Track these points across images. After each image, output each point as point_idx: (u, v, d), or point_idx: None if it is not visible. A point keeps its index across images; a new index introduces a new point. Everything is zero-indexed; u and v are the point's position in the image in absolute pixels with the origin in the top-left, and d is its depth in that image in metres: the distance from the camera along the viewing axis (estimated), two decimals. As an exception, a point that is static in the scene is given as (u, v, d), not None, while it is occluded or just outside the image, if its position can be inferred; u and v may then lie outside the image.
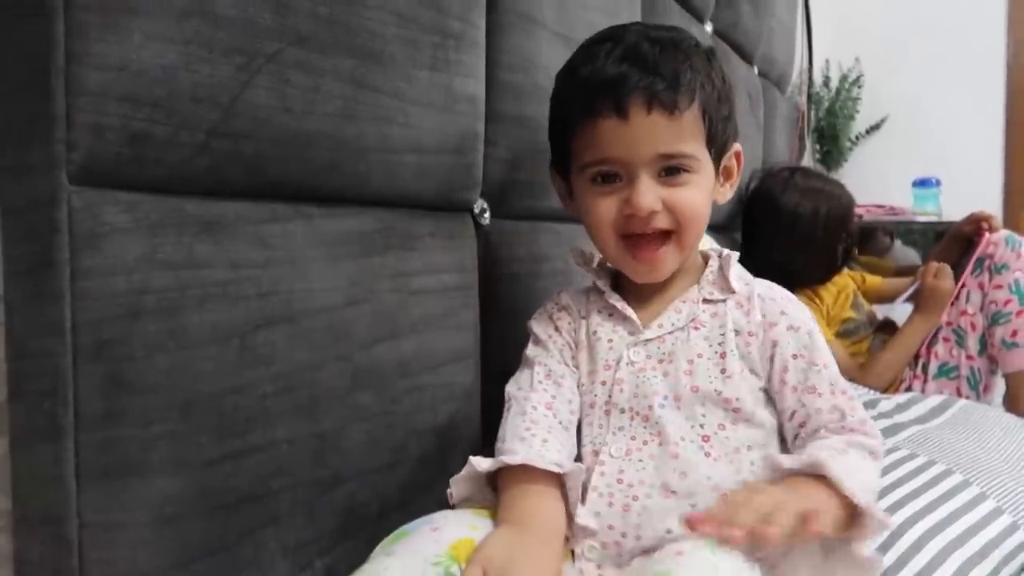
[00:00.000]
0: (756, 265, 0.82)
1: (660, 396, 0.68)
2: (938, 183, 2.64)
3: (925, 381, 1.51)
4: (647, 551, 0.61)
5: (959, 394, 1.46)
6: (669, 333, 0.72)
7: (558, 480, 0.61)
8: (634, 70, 0.67)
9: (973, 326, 1.47)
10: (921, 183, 2.66)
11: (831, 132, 3.04)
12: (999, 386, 1.49)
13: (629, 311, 0.73)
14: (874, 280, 1.78)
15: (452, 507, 0.63)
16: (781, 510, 0.53)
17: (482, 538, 0.55)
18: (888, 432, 1.02)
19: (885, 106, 3.06)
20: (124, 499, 0.51)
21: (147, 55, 0.51)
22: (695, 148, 0.70)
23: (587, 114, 0.69)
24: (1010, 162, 2.97)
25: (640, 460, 0.66)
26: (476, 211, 0.88)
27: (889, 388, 1.52)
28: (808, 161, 2.91)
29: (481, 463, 0.61)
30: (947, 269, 1.47)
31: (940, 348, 1.50)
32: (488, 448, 0.72)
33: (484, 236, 0.89)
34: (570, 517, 0.61)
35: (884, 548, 0.73)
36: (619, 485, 0.65)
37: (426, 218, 0.79)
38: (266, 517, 0.61)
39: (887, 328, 1.69)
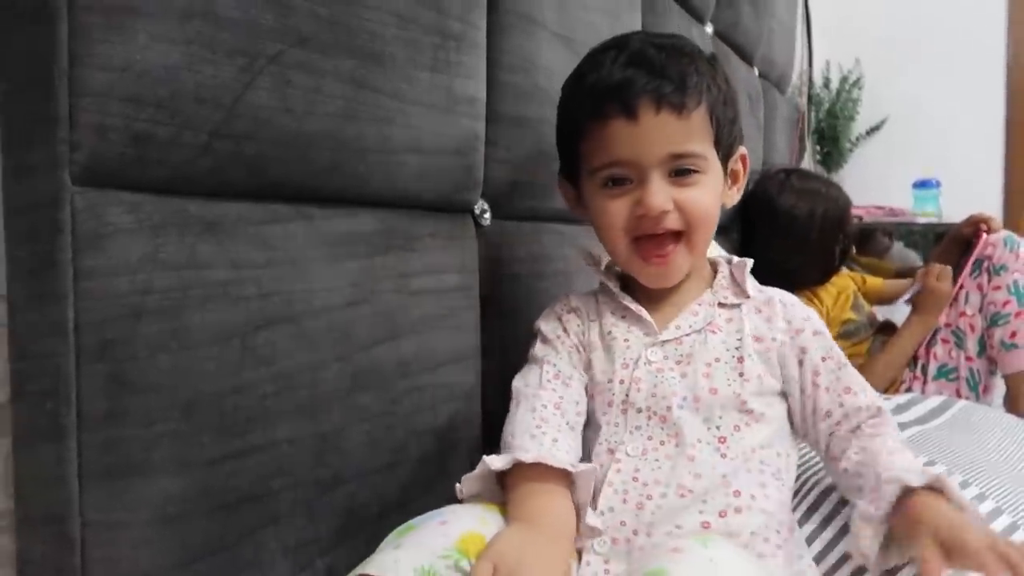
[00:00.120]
0: (754, 267, 0.82)
1: (679, 397, 0.68)
2: (938, 184, 2.65)
3: (925, 382, 1.51)
4: (656, 548, 0.61)
5: (959, 395, 1.46)
6: (686, 335, 0.72)
7: (568, 480, 0.62)
8: (641, 73, 0.68)
9: (972, 327, 1.47)
10: (921, 184, 2.66)
11: (831, 133, 3.04)
12: (999, 387, 1.49)
13: (644, 312, 0.74)
14: (875, 281, 1.78)
15: (460, 503, 0.63)
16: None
17: (491, 534, 0.56)
18: (888, 433, 1.02)
19: (885, 107, 3.06)
20: (126, 498, 0.51)
21: (150, 56, 0.51)
22: (704, 148, 0.71)
23: (596, 118, 0.70)
24: (1010, 163, 2.97)
25: (656, 460, 0.66)
26: (477, 212, 0.88)
27: (888, 389, 1.52)
28: (808, 162, 2.91)
29: (495, 461, 0.61)
30: (948, 271, 1.47)
31: (939, 349, 1.50)
32: (488, 448, 0.72)
33: (485, 237, 0.89)
34: (578, 517, 0.62)
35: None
36: (634, 483, 0.65)
37: (427, 219, 0.80)
38: (267, 517, 0.61)
39: (887, 330, 1.69)
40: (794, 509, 0.79)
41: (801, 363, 0.72)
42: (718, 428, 0.67)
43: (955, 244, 1.61)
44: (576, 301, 0.78)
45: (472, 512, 0.59)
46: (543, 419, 0.67)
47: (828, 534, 0.77)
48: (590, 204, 0.75)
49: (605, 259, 0.80)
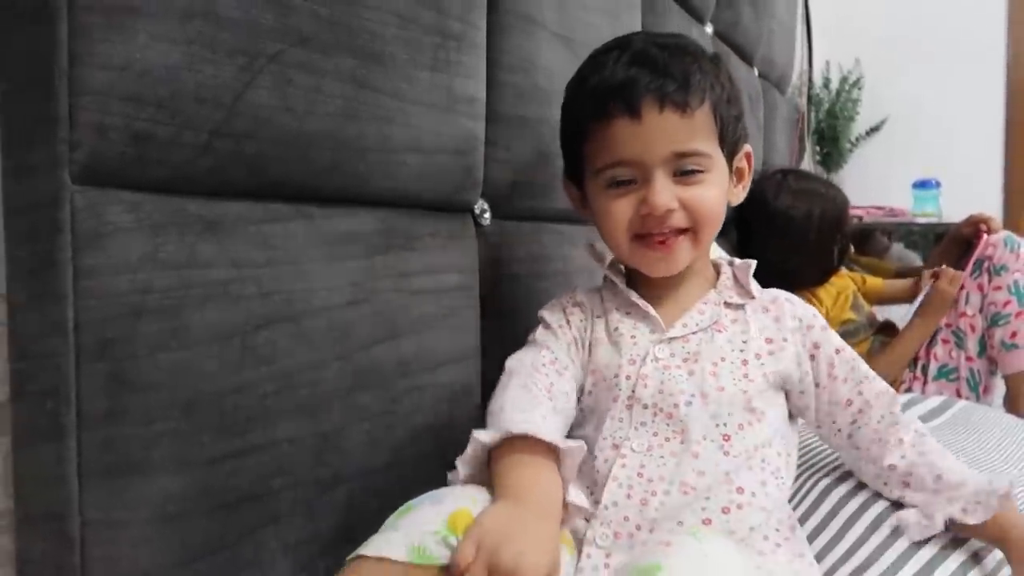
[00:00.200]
0: (753, 268, 0.83)
1: (686, 395, 0.68)
2: (938, 185, 2.65)
3: (925, 383, 1.51)
4: (647, 544, 0.61)
5: (959, 396, 1.46)
6: (693, 333, 0.73)
7: (556, 456, 0.61)
8: (644, 72, 0.69)
9: (972, 328, 1.47)
10: (921, 184, 2.66)
11: (831, 134, 3.04)
12: (999, 387, 1.49)
13: (650, 309, 0.74)
14: (875, 282, 1.78)
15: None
16: None
17: (479, 510, 0.55)
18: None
19: (885, 108, 3.07)
20: (126, 497, 0.51)
21: (151, 55, 0.51)
22: (708, 147, 0.71)
23: (600, 118, 0.70)
24: (1010, 163, 2.98)
25: (662, 456, 0.66)
26: (477, 212, 0.88)
27: (888, 389, 1.52)
28: (808, 163, 2.92)
29: (483, 436, 0.60)
30: (960, 276, 1.47)
31: (939, 350, 1.50)
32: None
33: (485, 237, 0.89)
34: (564, 494, 0.60)
35: (882, 548, 0.73)
36: (639, 479, 0.66)
37: (427, 218, 0.80)
38: (267, 516, 0.61)
39: (887, 330, 1.69)
40: (794, 509, 0.79)
41: (814, 357, 0.74)
42: (725, 425, 0.68)
43: (955, 244, 1.61)
44: (582, 296, 0.79)
45: (465, 492, 0.59)
46: (535, 398, 0.66)
47: (827, 535, 0.77)
48: (594, 205, 0.75)
49: (608, 256, 0.80)
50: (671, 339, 0.72)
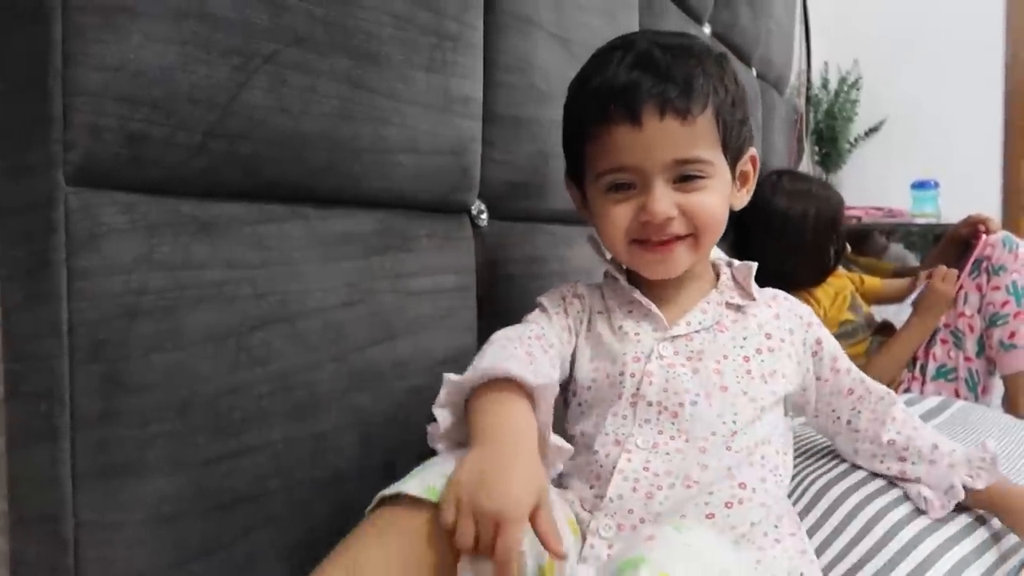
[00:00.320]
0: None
1: (692, 394, 0.69)
2: (937, 185, 2.65)
3: (923, 383, 1.51)
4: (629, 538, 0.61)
5: (957, 396, 1.46)
6: (696, 332, 0.73)
7: (530, 398, 0.59)
8: (646, 76, 0.68)
9: (971, 328, 1.47)
10: (920, 185, 2.66)
11: (830, 134, 3.04)
12: (997, 387, 1.49)
13: (653, 307, 0.74)
14: (873, 282, 1.78)
15: (434, 449, 0.62)
16: None
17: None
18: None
19: (884, 108, 3.07)
20: (121, 499, 0.51)
21: (145, 56, 0.51)
22: (710, 153, 0.70)
23: (601, 122, 0.69)
24: (1009, 164, 2.98)
25: (667, 453, 0.67)
26: (474, 212, 0.88)
27: (887, 389, 1.52)
28: (807, 163, 2.92)
29: (455, 377, 0.60)
30: (953, 274, 1.47)
31: (938, 350, 1.50)
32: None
33: (482, 237, 0.89)
34: (543, 438, 0.60)
35: (878, 547, 0.73)
36: (645, 472, 0.66)
37: (423, 219, 0.80)
38: (262, 517, 0.61)
39: (885, 330, 1.69)
40: (793, 505, 0.79)
41: (816, 353, 0.78)
42: (728, 423, 0.68)
43: (953, 245, 1.61)
44: (583, 289, 0.79)
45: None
46: (511, 354, 0.64)
47: (824, 532, 0.77)
48: (594, 207, 0.75)
49: (609, 256, 0.80)
50: (675, 337, 0.72)
